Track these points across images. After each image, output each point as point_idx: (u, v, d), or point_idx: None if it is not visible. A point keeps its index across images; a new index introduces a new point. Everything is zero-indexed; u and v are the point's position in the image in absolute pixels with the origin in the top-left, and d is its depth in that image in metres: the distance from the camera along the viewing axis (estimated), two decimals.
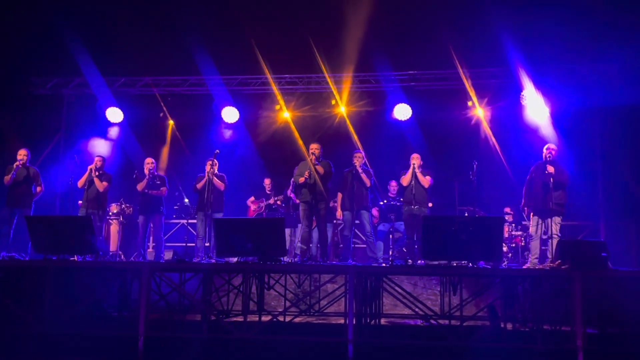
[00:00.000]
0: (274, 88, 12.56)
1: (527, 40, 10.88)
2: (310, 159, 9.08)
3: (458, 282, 7.75)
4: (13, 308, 7.13)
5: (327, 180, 9.21)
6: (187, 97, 13.18)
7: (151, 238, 11.10)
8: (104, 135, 13.08)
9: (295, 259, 9.84)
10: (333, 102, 12.80)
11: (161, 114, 13.30)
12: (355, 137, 12.65)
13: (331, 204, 10.19)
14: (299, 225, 9.83)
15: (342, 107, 12.84)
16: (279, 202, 11.43)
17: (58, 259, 7.34)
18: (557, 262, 7.18)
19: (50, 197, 11.72)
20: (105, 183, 10.00)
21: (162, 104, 13.17)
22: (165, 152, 13.46)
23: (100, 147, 12.75)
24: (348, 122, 12.97)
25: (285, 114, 13.05)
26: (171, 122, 13.58)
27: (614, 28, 10.31)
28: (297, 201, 9.72)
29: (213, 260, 8.34)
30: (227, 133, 13.15)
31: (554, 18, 10.31)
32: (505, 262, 10.09)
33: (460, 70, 11.62)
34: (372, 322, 7.69)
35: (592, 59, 11.32)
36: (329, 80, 12.32)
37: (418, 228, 9.10)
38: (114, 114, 13.02)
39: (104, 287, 8.15)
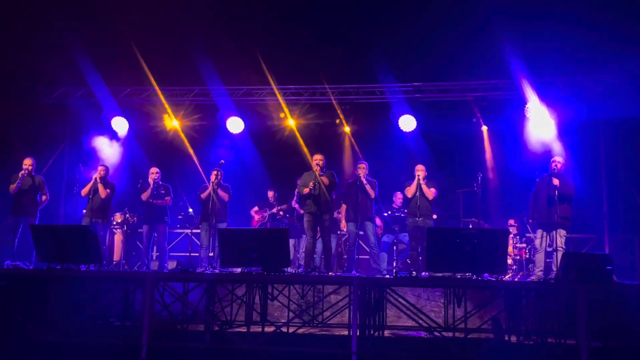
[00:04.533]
0: (280, 99, 12.59)
1: (531, 53, 10.88)
2: (315, 170, 9.09)
3: (462, 294, 7.72)
4: (17, 316, 7.14)
5: (331, 191, 9.21)
6: (193, 107, 13.20)
7: (155, 247, 11.10)
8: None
9: (299, 270, 9.82)
10: (337, 121, 12.89)
11: (165, 115, 13.25)
12: (357, 148, 12.72)
13: (335, 215, 10.18)
14: (303, 235, 9.83)
15: (345, 126, 13.04)
16: (281, 213, 11.43)
17: (62, 268, 7.34)
18: (556, 274, 7.16)
19: (54, 206, 11.74)
20: (108, 190, 10.00)
21: (168, 111, 13.17)
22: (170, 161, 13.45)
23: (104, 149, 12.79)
24: (349, 133, 13.05)
25: (290, 122, 13.05)
26: (176, 127, 13.46)
27: (618, 40, 10.30)
28: (302, 212, 9.72)
29: (217, 271, 8.35)
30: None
31: (557, 30, 10.32)
32: (510, 275, 10.06)
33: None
34: (376, 333, 7.66)
35: (597, 70, 11.31)
36: (330, 93, 12.43)
37: (422, 240, 9.07)
38: (119, 124, 13.04)
39: (108, 297, 8.15)
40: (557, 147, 11.36)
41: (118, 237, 11.29)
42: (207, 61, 11.71)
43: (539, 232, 8.96)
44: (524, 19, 10.45)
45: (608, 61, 10.85)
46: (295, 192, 10.44)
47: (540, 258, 8.94)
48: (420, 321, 7.53)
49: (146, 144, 13.40)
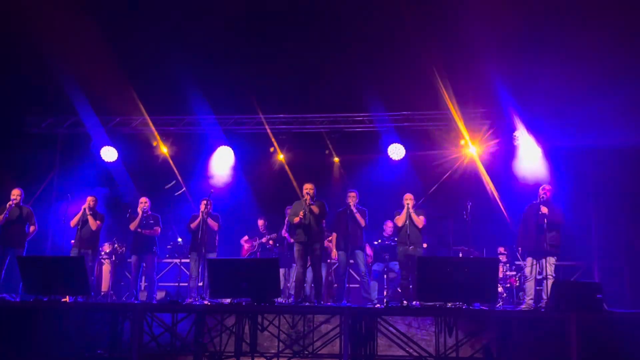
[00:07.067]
0: (267, 129, 12.64)
1: (518, 82, 11.01)
2: (305, 199, 9.07)
3: (453, 323, 7.69)
4: (3, 349, 7.03)
5: (321, 220, 9.19)
6: (182, 135, 13.22)
7: (143, 278, 11.01)
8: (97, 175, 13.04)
9: (290, 300, 9.76)
10: (327, 152, 13.02)
11: (155, 143, 13.22)
12: (347, 177, 12.76)
13: (326, 244, 10.15)
14: (294, 265, 9.79)
15: (334, 156, 13.14)
16: (271, 242, 11.37)
17: (49, 299, 7.27)
18: (546, 303, 7.15)
19: (42, 237, 11.63)
20: (98, 222, 9.94)
21: (157, 139, 13.15)
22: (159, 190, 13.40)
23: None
24: (338, 161, 13.10)
25: (280, 156, 13.10)
26: (165, 152, 13.41)
27: (605, 70, 10.44)
28: (292, 241, 9.68)
29: (206, 301, 8.28)
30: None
31: (545, 60, 10.45)
32: (501, 303, 10.03)
33: (454, 112, 11.72)
34: None
35: (584, 100, 11.41)
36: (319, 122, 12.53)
37: (413, 268, 9.05)
38: (108, 153, 13.00)
39: (96, 328, 8.05)
40: (545, 174, 11.43)
41: (106, 268, 11.19)
42: (197, 90, 11.76)
43: (529, 260, 8.97)
44: (511, 49, 10.59)
45: (595, 91, 10.97)
46: (286, 221, 10.41)
47: (530, 286, 8.93)
48: (411, 350, 7.48)
49: (135, 173, 13.34)
